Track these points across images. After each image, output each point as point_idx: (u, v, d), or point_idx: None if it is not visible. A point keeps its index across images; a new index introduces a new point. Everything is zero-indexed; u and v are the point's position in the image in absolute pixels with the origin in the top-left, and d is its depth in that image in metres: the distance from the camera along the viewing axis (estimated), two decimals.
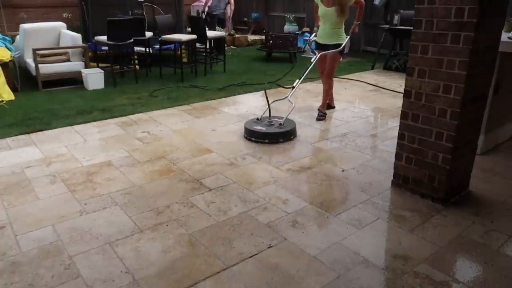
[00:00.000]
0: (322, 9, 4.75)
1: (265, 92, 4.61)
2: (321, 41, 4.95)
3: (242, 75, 7.50)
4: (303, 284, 2.22)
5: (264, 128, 4.30)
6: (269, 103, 4.48)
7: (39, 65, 6.20)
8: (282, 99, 4.75)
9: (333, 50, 4.81)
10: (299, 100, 5.98)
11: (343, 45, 4.85)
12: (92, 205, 3.00)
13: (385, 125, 4.95)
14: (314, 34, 5.17)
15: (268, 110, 4.51)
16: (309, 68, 4.81)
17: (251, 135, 4.29)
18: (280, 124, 4.37)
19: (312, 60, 4.86)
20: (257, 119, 4.55)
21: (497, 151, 4.00)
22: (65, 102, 5.63)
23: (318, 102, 5.79)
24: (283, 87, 6.12)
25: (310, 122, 4.92)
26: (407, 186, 3.18)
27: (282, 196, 3.15)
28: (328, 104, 5.30)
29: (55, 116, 5.01)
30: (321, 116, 5.02)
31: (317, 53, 4.88)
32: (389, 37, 8.21)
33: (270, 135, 4.22)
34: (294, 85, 4.72)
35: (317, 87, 6.76)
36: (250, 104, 5.69)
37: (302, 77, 4.78)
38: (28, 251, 2.48)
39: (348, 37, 4.90)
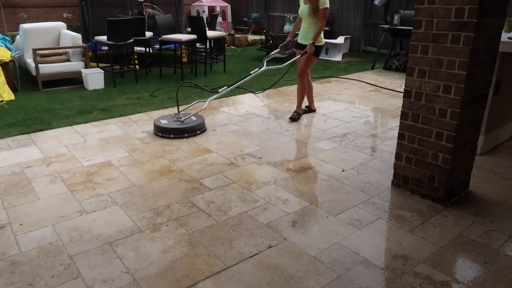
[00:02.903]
0: (301, 8, 4.75)
1: (177, 92, 4.58)
2: (299, 41, 4.89)
3: (242, 75, 7.47)
4: (303, 284, 2.22)
5: (167, 123, 4.42)
6: (178, 100, 4.61)
7: (39, 65, 6.21)
8: (203, 105, 4.61)
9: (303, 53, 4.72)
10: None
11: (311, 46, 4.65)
12: (92, 205, 3.00)
13: (385, 125, 4.94)
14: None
15: (177, 107, 4.62)
16: (248, 77, 4.66)
17: (158, 131, 4.39)
18: (180, 121, 4.44)
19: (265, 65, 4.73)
20: (175, 114, 4.61)
21: (497, 151, 4.00)
22: (65, 102, 5.64)
23: (319, 102, 5.80)
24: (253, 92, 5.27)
25: (311, 122, 4.92)
26: (407, 186, 3.18)
27: (282, 196, 3.15)
28: (308, 107, 5.31)
29: (55, 116, 5.01)
30: (295, 116, 4.97)
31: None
32: (389, 37, 8.21)
33: (174, 130, 4.32)
34: (220, 90, 4.64)
35: (317, 87, 6.76)
36: (250, 104, 5.69)
37: (235, 85, 4.65)
38: (28, 251, 2.47)
39: (319, 41, 4.71)
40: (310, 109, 5.33)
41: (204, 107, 4.57)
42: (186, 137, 4.28)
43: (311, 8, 4.55)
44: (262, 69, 4.69)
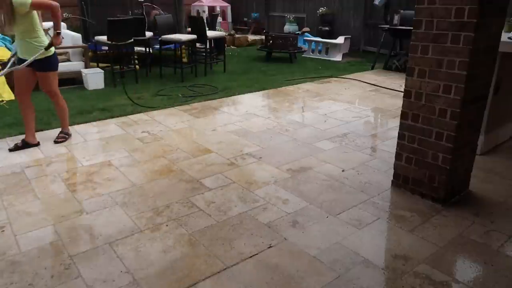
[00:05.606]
0: None
1: None
2: (20, 56, 3.97)
3: (242, 75, 7.50)
4: (303, 284, 2.22)
5: None
6: None
7: None
8: None
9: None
10: (299, 100, 6.00)
11: (31, 60, 3.77)
12: (92, 205, 3.00)
13: (385, 125, 4.95)
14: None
15: None
16: None
17: None
18: None
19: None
20: None
21: (497, 151, 4.00)
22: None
23: (317, 102, 5.80)
24: None
25: (311, 122, 4.92)
26: (407, 186, 3.18)
27: (282, 196, 3.15)
28: (25, 141, 4.03)
29: (55, 116, 5.00)
30: (61, 138, 4.18)
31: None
32: (389, 37, 8.21)
33: None
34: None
35: (317, 86, 6.76)
36: (250, 104, 5.69)
37: (25, 63, 3.85)
38: (28, 251, 2.47)
39: (48, 51, 3.79)
40: (28, 143, 4.02)
41: None
42: None
43: (5, 15, 3.44)
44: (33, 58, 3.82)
